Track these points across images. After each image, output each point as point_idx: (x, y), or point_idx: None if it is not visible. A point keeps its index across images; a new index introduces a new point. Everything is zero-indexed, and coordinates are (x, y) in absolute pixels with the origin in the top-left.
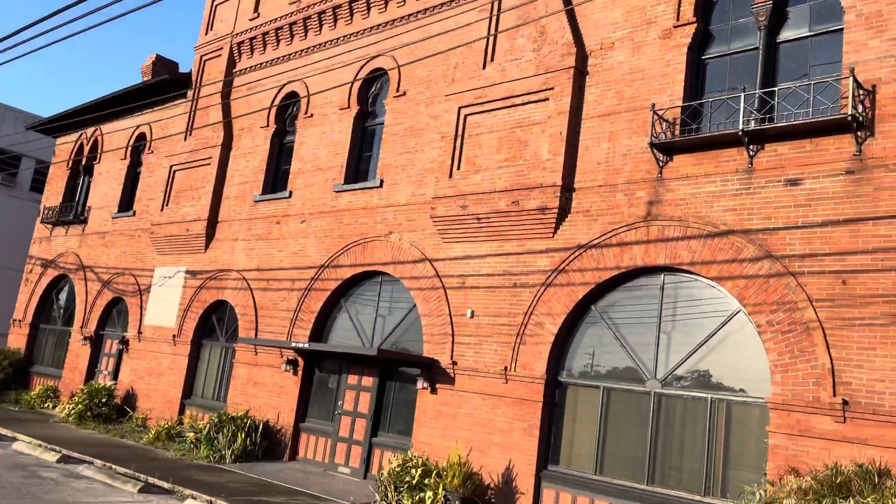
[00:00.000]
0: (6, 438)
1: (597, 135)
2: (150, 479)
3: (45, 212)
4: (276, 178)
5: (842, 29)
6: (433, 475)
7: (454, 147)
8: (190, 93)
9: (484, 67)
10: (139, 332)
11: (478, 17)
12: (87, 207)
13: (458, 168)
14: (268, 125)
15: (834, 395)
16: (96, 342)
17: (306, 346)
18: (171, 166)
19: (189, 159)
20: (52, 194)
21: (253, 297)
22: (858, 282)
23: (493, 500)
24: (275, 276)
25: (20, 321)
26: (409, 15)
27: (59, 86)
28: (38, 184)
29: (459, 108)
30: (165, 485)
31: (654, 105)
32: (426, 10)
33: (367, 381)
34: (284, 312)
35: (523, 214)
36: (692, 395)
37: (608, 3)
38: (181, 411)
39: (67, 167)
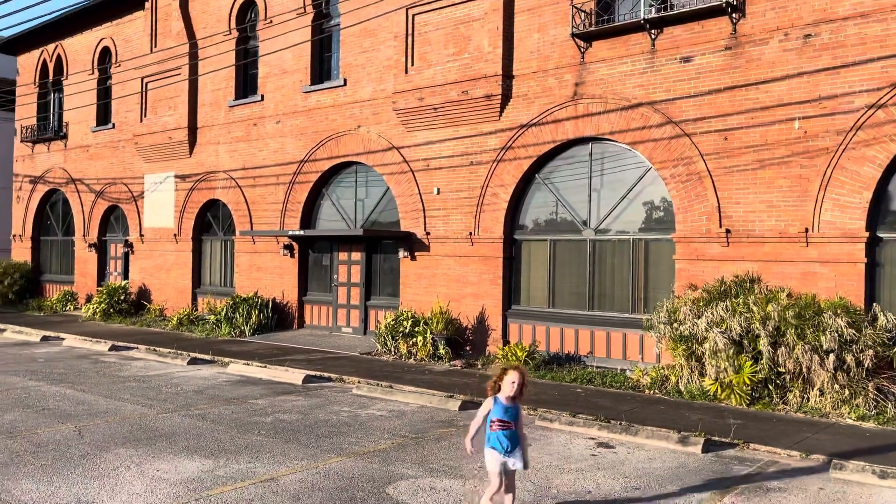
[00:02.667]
0: (53, 339)
1: (528, 27)
2: (194, 354)
3: (24, 131)
4: (247, 83)
5: None
6: (421, 323)
7: (406, 45)
8: (147, 3)
9: None
10: (141, 235)
11: None
12: (64, 123)
13: (413, 64)
14: (230, 32)
15: (720, 226)
16: (100, 248)
17: (301, 232)
18: (143, 78)
19: (159, 70)
20: (25, 111)
21: (243, 193)
22: (736, 137)
23: (470, 337)
24: (260, 174)
25: (20, 236)
26: None
27: None
28: (1, 99)
29: (407, 9)
30: (207, 357)
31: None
32: None
33: (356, 255)
34: (274, 205)
35: (472, 102)
36: (619, 238)
37: None
38: (194, 299)
39: (35, 84)
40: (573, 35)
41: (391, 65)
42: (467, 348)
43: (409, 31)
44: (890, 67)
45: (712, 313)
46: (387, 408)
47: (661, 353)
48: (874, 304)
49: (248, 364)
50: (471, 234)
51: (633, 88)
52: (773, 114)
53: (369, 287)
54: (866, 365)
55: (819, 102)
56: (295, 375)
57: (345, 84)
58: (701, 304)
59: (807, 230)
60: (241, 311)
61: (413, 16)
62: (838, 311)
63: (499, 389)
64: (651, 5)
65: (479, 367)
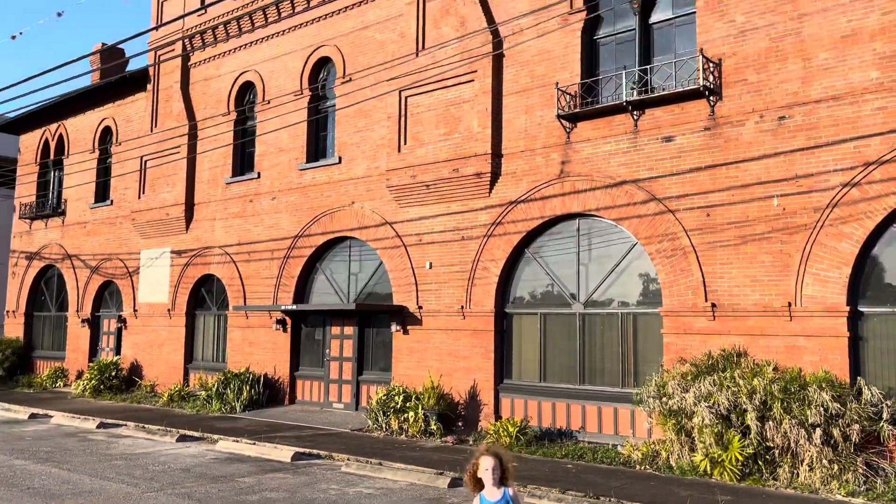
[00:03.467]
0: (41, 416)
1: (516, 108)
2: (183, 431)
3: (22, 208)
4: (244, 160)
5: (695, 13)
6: (413, 399)
7: (399, 125)
8: (149, 86)
9: (417, 54)
10: (135, 310)
11: (407, 8)
12: (63, 200)
13: (405, 143)
14: (229, 113)
15: (706, 300)
16: (94, 323)
17: (294, 307)
18: (142, 157)
19: (158, 149)
20: (25, 189)
21: (237, 268)
22: (718, 213)
23: (462, 413)
24: (254, 249)
25: (14, 311)
26: (347, 7)
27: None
28: (1, 178)
29: (400, 91)
30: (196, 434)
31: (557, 83)
32: (361, 2)
33: (349, 330)
34: (268, 280)
35: (463, 179)
36: (607, 311)
37: None
38: (185, 375)
39: (36, 163)
40: (559, 116)
41: (384, 143)
42: (459, 423)
43: (402, 112)
44: (862, 147)
45: (700, 388)
46: (375, 485)
47: (652, 427)
48: (858, 378)
49: (237, 441)
50: (462, 307)
51: (618, 167)
52: (753, 191)
53: (361, 361)
54: (854, 440)
55: (796, 181)
56: (284, 453)
57: (339, 162)
58: (689, 378)
59: (790, 304)
60: (232, 386)
61: (406, 97)
62: (823, 385)
63: (480, 483)
64: (633, 88)
65: (471, 442)
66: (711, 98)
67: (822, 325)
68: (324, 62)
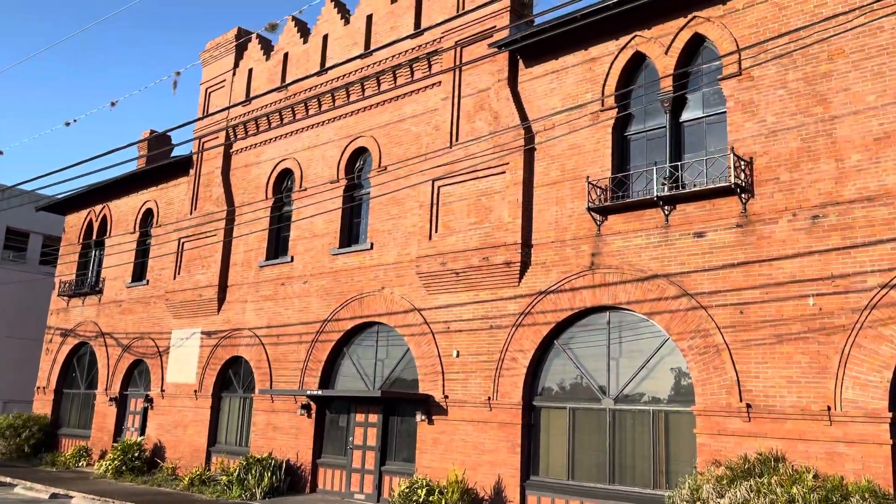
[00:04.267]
0: (61, 496)
1: (547, 200)
2: None
3: (62, 285)
4: (278, 244)
5: (725, 112)
6: (436, 493)
7: (431, 213)
8: (192, 171)
9: (451, 147)
10: (162, 390)
11: (442, 104)
12: (101, 279)
13: (436, 231)
14: (266, 198)
15: (741, 400)
16: (121, 402)
17: (319, 392)
18: (180, 238)
19: (196, 232)
20: (66, 268)
21: (265, 351)
22: (752, 311)
23: None
24: (284, 332)
25: (44, 388)
26: (384, 101)
27: (44, 158)
28: (45, 256)
29: (433, 181)
30: None
31: (588, 176)
32: (398, 97)
33: (373, 417)
34: (295, 363)
35: (493, 268)
36: (638, 408)
37: (548, 91)
38: (208, 458)
39: (79, 242)
40: (589, 209)
41: (416, 231)
42: None
43: (434, 201)
44: None
45: (736, 493)
46: None
47: None
48: None
49: None
50: (489, 398)
51: (649, 260)
52: (788, 290)
53: (385, 451)
54: None
55: (832, 280)
56: None
57: (371, 248)
58: (724, 482)
59: (829, 408)
60: (253, 472)
61: (438, 187)
62: (866, 496)
63: None
64: (664, 183)
65: None
66: (743, 195)
67: (863, 432)
68: (360, 152)
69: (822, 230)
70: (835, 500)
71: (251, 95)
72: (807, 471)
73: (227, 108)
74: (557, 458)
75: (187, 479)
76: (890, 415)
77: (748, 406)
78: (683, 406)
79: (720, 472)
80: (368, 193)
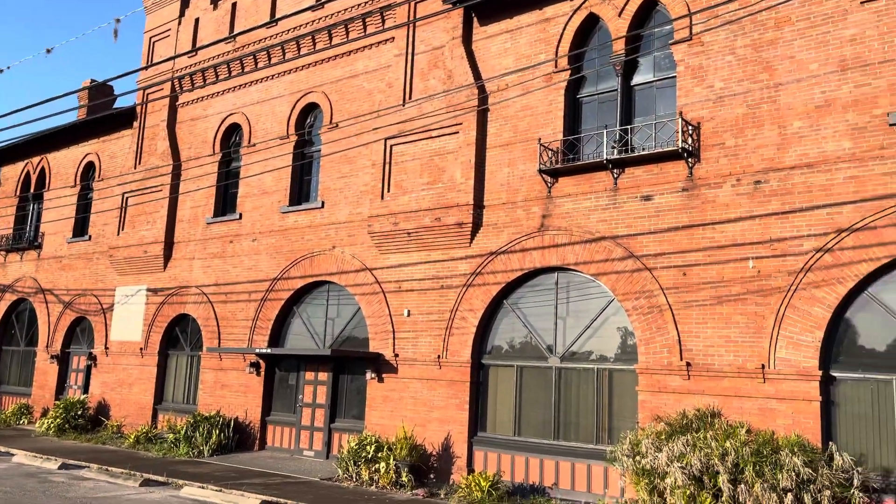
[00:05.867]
0: (2, 453)
1: (499, 161)
2: (147, 475)
3: None
4: (226, 201)
5: (676, 76)
6: (385, 449)
7: (383, 173)
8: (136, 123)
9: (404, 105)
10: (106, 348)
11: (395, 60)
12: (40, 233)
13: (389, 190)
14: (214, 153)
15: (681, 359)
16: (63, 360)
17: (268, 350)
18: (124, 193)
19: (141, 186)
20: (2, 222)
21: (214, 309)
22: (694, 273)
23: (435, 465)
24: (232, 290)
25: None
26: (336, 56)
27: None
28: None
29: (386, 139)
30: (161, 478)
31: (540, 139)
32: (350, 52)
33: (323, 376)
34: (244, 321)
35: (445, 228)
36: (584, 366)
37: (502, 51)
38: (154, 417)
39: (16, 195)
40: (541, 171)
41: (368, 190)
42: (431, 476)
43: (387, 160)
44: (835, 214)
45: (673, 448)
46: None
47: (625, 486)
48: (830, 443)
49: (203, 487)
50: (439, 357)
51: (597, 223)
52: (729, 253)
53: (335, 409)
54: None
55: (770, 244)
56: (251, 501)
57: (322, 206)
58: (663, 437)
59: (763, 366)
60: (201, 430)
61: (391, 146)
62: (795, 450)
63: None
64: (614, 147)
65: (443, 496)
66: (690, 160)
67: (794, 389)
68: (311, 108)
69: (763, 195)
70: (765, 453)
71: (197, 46)
72: (741, 426)
73: (173, 58)
74: (505, 414)
75: (133, 436)
76: (820, 373)
77: (688, 364)
78: (627, 364)
79: (660, 428)
80: (319, 151)
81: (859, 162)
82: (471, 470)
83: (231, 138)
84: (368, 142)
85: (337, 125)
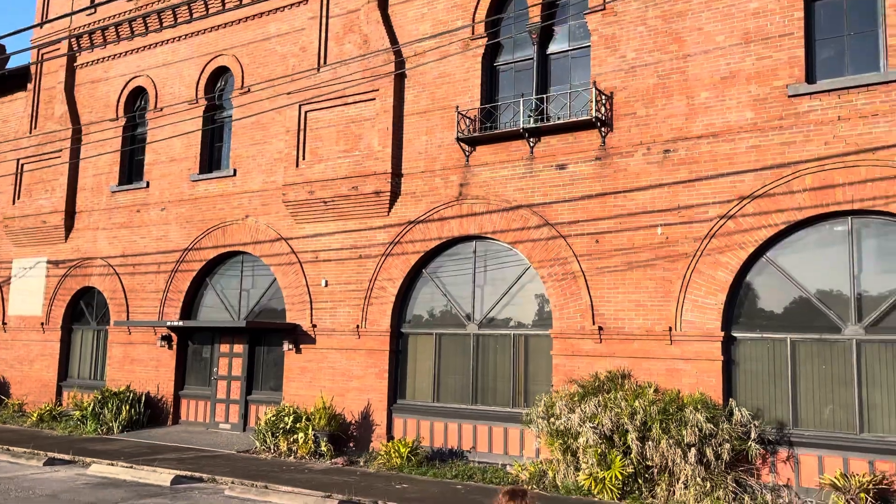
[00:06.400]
0: None
1: (417, 129)
2: (52, 454)
3: None
4: (132, 169)
5: (590, 46)
6: (303, 420)
7: (298, 140)
8: (30, 85)
9: (319, 70)
10: (3, 323)
11: (310, 23)
12: None
13: (304, 158)
14: (117, 118)
15: (593, 323)
16: None
17: (180, 323)
18: (19, 160)
19: (37, 153)
20: None
21: (121, 281)
22: (606, 240)
23: (354, 434)
24: (141, 262)
25: None
26: (247, 17)
27: None
28: None
29: (300, 105)
30: (66, 457)
31: (457, 106)
32: (262, 13)
33: (238, 348)
34: (154, 294)
35: (362, 197)
36: (501, 332)
37: (419, 16)
38: (59, 394)
39: None
40: (458, 139)
41: (282, 157)
42: (351, 445)
43: (301, 127)
44: (738, 182)
45: (585, 409)
46: None
47: (540, 447)
48: (731, 400)
49: (112, 464)
50: (358, 326)
51: (514, 191)
52: (639, 220)
53: (251, 381)
54: (725, 458)
55: (678, 211)
56: (163, 476)
57: (234, 174)
58: (576, 398)
59: (670, 329)
60: (110, 406)
61: (305, 112)
62: (699, 407)
63: None
64: (530, 116)
65: (362, 463)
66: (603, 129)
67: (699, 350)
68: (221, 71)
69: (672, 164)
70: (671, 411)
71: (96, 2)
72: (649, 386)
73: (69, 14)
74: (424, 382)
75: (36, 415)
76: (722, 334)
77: (600, 329)
78: (543, 330)
79: (573, 390)
80: (231, 116)
81: (760, 132)
82: (390, 437)
83: (136, 102)
84: (281, 106)
85: (248, 90)
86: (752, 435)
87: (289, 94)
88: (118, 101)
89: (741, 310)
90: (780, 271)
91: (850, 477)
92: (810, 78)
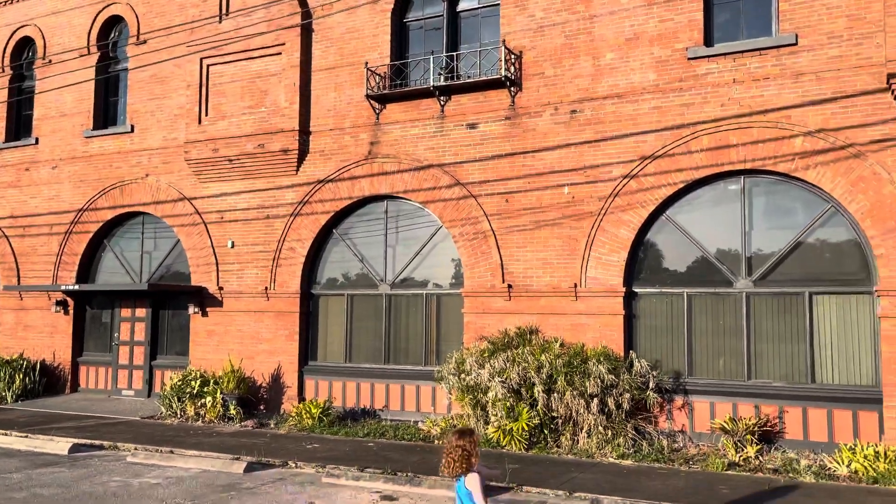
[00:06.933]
0: None
1: (325, 85)
2: None
3: None
4: (19, 124)
5: (499, 4)
6: (211, 383)
7: (200, 95)
8: None
9: (221, 21)
10: None
11: None
12: None
13: (207, 114)
14: (3, 71)
15: (503, 282)
16: None
17: (76, 287)
18: None
19: None
20: None
21: (10, 244)
22: (515, 199)
23: (265, 396)
24: (31, 223)
25: None
26: None
27: None
28: None
29: (201, 59)
30: None
31: (367, 63)
32: None
33: (141, 312)
34: (47, 257)
35: (269, 156)
36: (413, 292)
37: None
38: None
39: None
40: (368, 96)
41: (183, 114)
42: (261, 407)
43: (203, 81)
44: (640, 143)
45: (494, 364)
46: (164, 475)
47: (452, 403)
48: (631, 352)
49: (6, 434)
50: (266, 288)
51: (425, 151)
52: (547, 179)
53: (155, 346)
54: (625, 407)
55: (584, 171)
56: (60, 445)
57: (132, 131)
58: (486, 355)
59: (576, 285)
60: (2, 374)
61: (207, 66)
62: (601, 359)
63: (473, 458)
64: (440, 74)
65: (272, 426)
66: (512, 89)
67: (602, 305)
68: (115, 21)
69: (578, 124)
70: (576, 364)
71: None
72: (555, 340)
73: None
74: (336, 343)
75: None
76: (624, 290)
77: (510, 286)
78: (455, 289)
79: (483, 346)
80: (126, 69)
81: (662, 93)
82: (302, 398)
83: (23, 54)
84: (179, 56)
85: (145, 41)
86: (651, 385)
87: (188, 45)
88: (3, 53)
89: (642, 266)
90: (679, 229)
91: (738, 421)
92: (708, 41)
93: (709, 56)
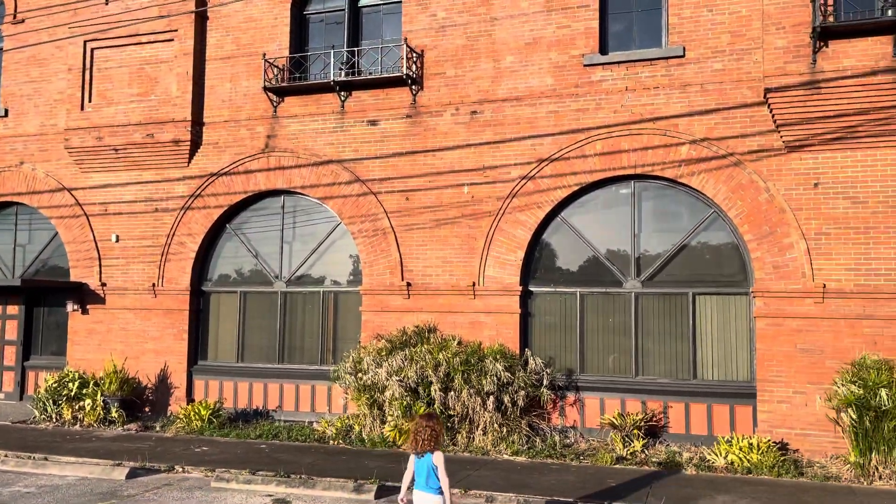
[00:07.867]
0: None
1: (220, 75)
2: None
3: None
4: None
5: (401, 2)
6: (91, 385)
7: (83, 80)
8: None
9: (107, 2)
10: None
11: None
12: None
13: (90, 101)
14: None
15: (402, 279)
16: None
17: None
18: None
19: None
20: None
21: None
22: (416, 198)
23: (151, 398)
24: None
25: None
26: None
27: None
28: None
29: (85, 42)
30: None
31: (265, 54)
32: None
33: (13, 309)
34: None
35: (159, 146)
36: (309, 290)
37: None
38: None
39: None
40: (265, 88)
41: (64, 99)
42: (146, 409)
43: (88, 66)
44: (538, 145)
45: (392, 363)
46: (37, 483)
47: (348, 403)
48: (526, 350)
49: None
50: (154, 285)
51: (324, 146)
52: (447, 179)
53: (29, 345)
54: (520, 404)
55: (484, 171)
56: None
57: (6, 115)
58: (383, 353)
59: (474, 284)
60: None
61: (92, 49)
62: (498, 357)
63: (440, 437)
64: (341, 69)
65: (157, 428)
66: (414, 87)
67: (499, 303)
68: None
69: (478, 125)
70: (473, 362)
71: None
72: (453, 338)
73: None
74: (227, 342)
75: None
76: (520, 288)
77: (409, 284)
78: (353, 287)
79: (381, 345)
80: (1, 49)
81: (559, 98)
82: (191, 399)
83: None
84: (60, 38)
85: (23, 20)
86: (545, 382)
87: (70, 27)
88: None
89: (538, 265)
90: (573, 230)
91: (626, 416)
92: (603, 49)
93: (603, 64)
